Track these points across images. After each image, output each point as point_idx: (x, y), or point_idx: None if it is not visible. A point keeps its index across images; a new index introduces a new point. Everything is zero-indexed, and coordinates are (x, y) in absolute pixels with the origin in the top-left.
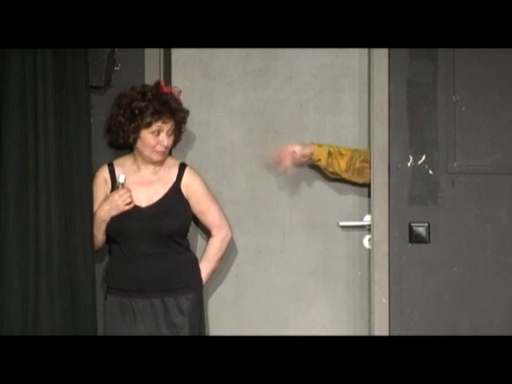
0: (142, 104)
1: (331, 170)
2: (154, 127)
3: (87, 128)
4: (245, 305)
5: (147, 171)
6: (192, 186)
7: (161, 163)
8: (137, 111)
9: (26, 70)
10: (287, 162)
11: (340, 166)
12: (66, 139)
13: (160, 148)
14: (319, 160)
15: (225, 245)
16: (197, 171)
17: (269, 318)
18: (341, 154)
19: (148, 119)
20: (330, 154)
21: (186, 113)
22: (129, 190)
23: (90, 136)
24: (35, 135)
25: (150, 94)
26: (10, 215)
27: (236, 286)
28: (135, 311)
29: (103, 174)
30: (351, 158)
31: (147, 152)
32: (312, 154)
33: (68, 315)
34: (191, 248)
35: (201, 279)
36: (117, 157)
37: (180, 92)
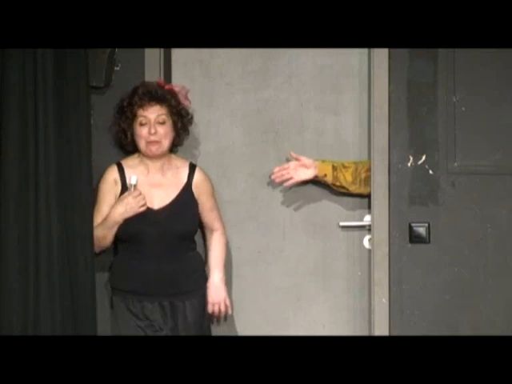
0: (129, 97)
1: (338, 184)
2: (141, 117)
3: (87, 128)
4: (245, 305)
5: (156, 173)
6: (203, 185)
7: (160, 157)
8: (125, 103)
9: (26, 70)
10: (289, 175)
11: (346, 178)
12: (66, 139)
13: (150, 138)
14: (325, 175)
15: (225, 244)
16: (206, 172)
17: (269, 318)
18: (344, 167)
19: (133, 110)
20: (334, 167)
21: (182, 104)
22: (141, 192)
23: (90, 136)
24: (35, 135)
25: (141, 88)
26: (10, 215)
27: (236, 286)
28: (145, 314)
29: (113, 174)
30: (356, 169)
31: (142, 145)
32: (315, 168)
33: (68, 315)
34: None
35: (205, 282)
36: (117, 157)
37: (187, 91)
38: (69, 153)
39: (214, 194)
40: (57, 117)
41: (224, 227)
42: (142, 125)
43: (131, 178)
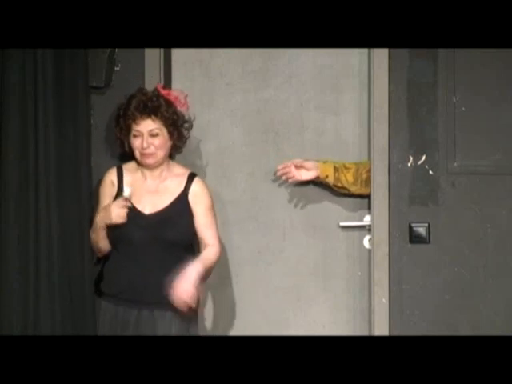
0: (124, 108)
1: (339, 184)
2: (133, 130)
3: (87, 128)
4: (245, 305)
5: (154, 180)
6: (200, 197)
7: (156, 167)
8: (120, 113)
9: (26, 70)
10: (291, 174)
11: (347, 179)
12: (66, 140)
13: (144, 150)
14: (327, 176)
15: (216, 258)
16: (206, 183)
17: (269, 318)
18: (346, 168)
19: (126, 122)
20: (335, 169)
21: (178, 114)
22: (127, 205)
23: (90, 136)
24: (35, 135)
25: (134, 100)
26: (10, 215)
27: (236, 286)
28: (125, 320)
29: (111, 176)
30: (357, 169)
31: (138, 156)
32: (317, 169)
33: (68, 315)
34: None
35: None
36: (117, 157)
37: (185, 96)
38: (69, 153)
39: (212, 210)
40: (57, 117)
41: (220, 244)
42: (135, 136)
43: (125, 190)
